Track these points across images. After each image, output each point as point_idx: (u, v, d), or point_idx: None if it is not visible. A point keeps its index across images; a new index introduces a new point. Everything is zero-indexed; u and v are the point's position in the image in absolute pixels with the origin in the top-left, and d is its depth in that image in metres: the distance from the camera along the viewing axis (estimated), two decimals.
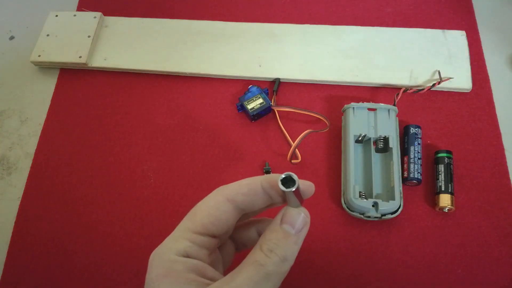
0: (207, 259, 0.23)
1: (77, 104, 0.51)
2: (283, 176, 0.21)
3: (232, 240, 0.27)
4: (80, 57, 0.52)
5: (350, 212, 0.42)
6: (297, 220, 0.22)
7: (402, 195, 0.41)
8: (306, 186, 0.24)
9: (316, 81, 0.50)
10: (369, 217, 0.41)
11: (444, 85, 0.48)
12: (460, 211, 0.42)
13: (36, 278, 0.42)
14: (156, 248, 0.23)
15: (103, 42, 0.54)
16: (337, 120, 0.47)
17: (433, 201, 0.43)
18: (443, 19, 0.54)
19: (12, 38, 0.57)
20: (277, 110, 0.48)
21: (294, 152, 0.43)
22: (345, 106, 0.46)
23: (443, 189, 0.42)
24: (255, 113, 0.47)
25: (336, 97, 0.49)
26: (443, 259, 0.40)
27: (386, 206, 0.40)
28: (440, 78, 0.47)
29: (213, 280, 0.22)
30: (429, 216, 0.42)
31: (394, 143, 0.43)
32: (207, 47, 0.52)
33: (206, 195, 0.24)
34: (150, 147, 0.48)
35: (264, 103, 0.47)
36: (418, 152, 0.44)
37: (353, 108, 0.45)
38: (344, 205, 0.42)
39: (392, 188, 0.41)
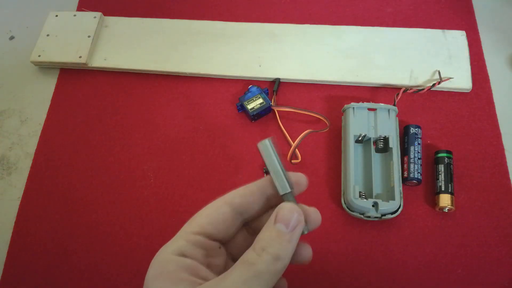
0: (203, 260, 0.23)
1: (77, 104, 0.51)
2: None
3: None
4: (80, 57, 0.52)
5: (350, 212, 0.42)
6: (290, 219, 0.22)
7: (402, 195, 0.41)
8: (297, 177, 0.24)
9: (316, 81, 0.50)
10: (369, 217, 0.41)
11: (444, 85, 0.48)
12: (460, 211, 0.42)
13: (36, 278, 0.42)
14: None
15: (103, 42, 0.54)
16: (337, 120, 0.47)
17: (433, 201, 0.43)
18: (443, 19, 0.54)
19: (12, 38, 0.57)
20: (277, 110, 0.48)
21: (294, 152, 0.43)
22: (345, 106, 0.46)
23: (443, 189, 0.42)
24: (255, 113, 0.47)
25: (336, 97, 0.49)
26: (443, 259, 0.40)
27: (386, 206, 0.40)
28: (440, 78, 0.47)
29: (205, 280, 0.22)
30: (429, 216, 0.42)
31: (394, 143, 0.43)
32: (207, 47, 0.52)
33: (206, 195, 0.25)
34: (150, 147, 0.48)
35: (264, 103, 0.47)
36: (418, 152, 0.44)
37: (353, 108, 0.45)
38: (344, 205, 0.42)
39: (392, 188, 0.41)
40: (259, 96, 0.47)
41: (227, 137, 0.48)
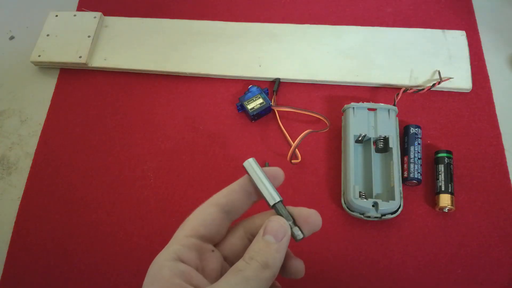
0: (198, 263, 0.24)
1: (77, 104, 0.51)
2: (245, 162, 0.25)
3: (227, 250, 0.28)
4: (80, 57, 0.52)
5: (350, 212, 0.42)
6: (278, 230, 0.23)
7: (402, 195, 0.41)
8: (274, 171, 0.25)
9: (316, 81, 0.50)
10: (369, 217, 0.41)
11: (444, 85, 0.48)
12: (460, 211, 0.42)
13: (36, 278, 0.42)
14: None
15: (103, 42, 0.54)
16: (337, 120, 0.47)
17: (433, 201, 0.43)
18: (443, 19, 0.54)
19: (12, 38, 0.57)
20: (277, 110, 0.48)
21: (294, 152, 0.43)
22: (345, 106, 0.46)
23: (443, 189, 0.42)
24: (255, 113, 0.47)
25: (336, 97, 0.49)
26: (443, 259, 0.40)
27: (386, 206, 0.40)
28: (440, 78, 0.47)
29: (198, 287, 0.22)
30: (429, 216, 0.42)
31: (394, 143, 0.43)
32: (207, 47, 0.52)
33: (206, 195, 0.25)
34: (150, 147, 0.48)
35: (264, 103, 0.47)
36: (418, 152, 0.44)
37: (353, 108, 0.45)
38: (344, 205, 0.42)
39: (392, 188, 0.41)
40: (259, 96, 0.47)
41: (227, 137, 0.48)
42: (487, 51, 0.51)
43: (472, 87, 0.48)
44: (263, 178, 0.25)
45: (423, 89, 0.47)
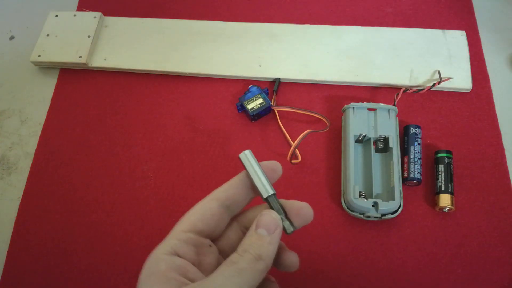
0: (195, 258, 0.24)
1: (77, 104, 0.51)
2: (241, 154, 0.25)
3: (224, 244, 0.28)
4: (80, 57, 0.51)
5: (350, 212, 0.42)
6: (270, 224, 0.24)
7: (402, 195, 0.41)
8: (272, 165, 0.26)
9: (316, 81, 0.50)
10: (369, 217, 0.41)
11: (444, 85, 0.48)
12: (460, 211, 0.42)
13: (36, 278, 0.42)
14: None
15: (103, 42, 0.54)
16: (337, 120, 0.47)
17: (433, 201, 0.43)
18: (443, 19, 0.54)
19: (12, 38, 0.57)
20: (277, 110, 0.48)
21: (294, 152, 0.43)
22: (345, 106, 0.46)
23: (443, 189, 0.42)
24: (255, 113, 0.47)
25: (336, 97, 0.49)
26: (443, 259, 0.40)
27: (386, 206, 0.40)
28: (440, 78, 0.47)
29: (193, 281, 0.22)
30: (429, 216, 0.42)
31: (394, 143, 0.43)
32: (207, 47, 0.52)
33: (206, 195, 0.25)
34: (150, 147, 0.48)
35: (264, 103, 0.47)
36: (418, 152, 0.44)
37: (353, 108, 0.45)
38: (344, 205, 0.42)
39: (392, 188, 0.41)
40: (259, 96, 0.47)
41: (227, 137, 0.47)
42: (487, 51, 0.51)
43: (472, 87, 0.48)
44: (258, 171, 0.25)
45: (423, 89, 0.47)
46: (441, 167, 0.43)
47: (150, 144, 0.48)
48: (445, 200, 0.41)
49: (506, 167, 0.44)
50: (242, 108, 0.48)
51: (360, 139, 0.44)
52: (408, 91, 0.47)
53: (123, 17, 0.56)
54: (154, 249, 0.23)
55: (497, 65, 0.51)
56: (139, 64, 0.52)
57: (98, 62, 0.52)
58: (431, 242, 0.41)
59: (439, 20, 0.53)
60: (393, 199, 0.40)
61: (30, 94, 0.53)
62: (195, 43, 0.53)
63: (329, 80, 0.49)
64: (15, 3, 0.60)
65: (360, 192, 0.41)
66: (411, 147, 0.44)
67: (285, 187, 0.44)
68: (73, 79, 0.53)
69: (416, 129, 0.45)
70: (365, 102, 0.45)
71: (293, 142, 0.44)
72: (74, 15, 0.55)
